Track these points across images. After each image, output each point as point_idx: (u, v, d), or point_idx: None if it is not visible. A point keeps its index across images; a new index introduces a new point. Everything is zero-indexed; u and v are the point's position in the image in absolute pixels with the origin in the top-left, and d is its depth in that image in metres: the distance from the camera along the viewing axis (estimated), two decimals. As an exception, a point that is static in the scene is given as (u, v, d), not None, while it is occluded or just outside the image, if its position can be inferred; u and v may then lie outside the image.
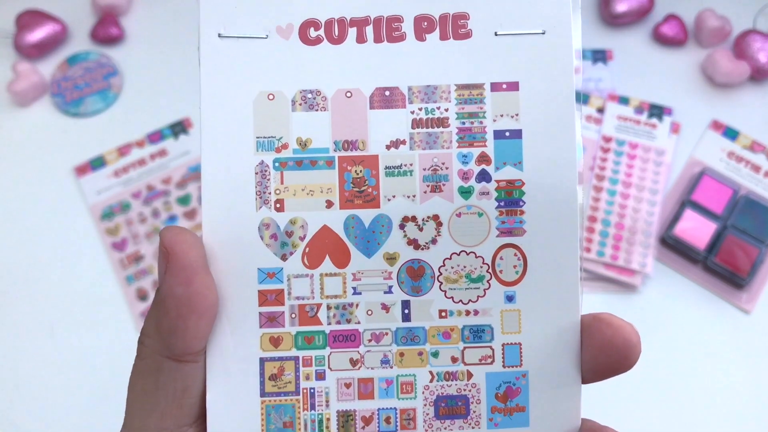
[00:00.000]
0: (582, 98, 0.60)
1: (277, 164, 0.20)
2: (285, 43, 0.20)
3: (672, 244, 0.55)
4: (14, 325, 0.54)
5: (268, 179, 0.20)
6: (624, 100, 0.59)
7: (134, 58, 0.64)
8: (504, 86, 0.20)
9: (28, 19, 0.63)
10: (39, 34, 0.63)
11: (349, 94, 0.20)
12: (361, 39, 0.20)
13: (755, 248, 0.54)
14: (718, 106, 0.61)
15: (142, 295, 0.55)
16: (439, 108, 0.20)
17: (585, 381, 0.20)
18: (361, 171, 0.20)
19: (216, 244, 0.20)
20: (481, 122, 0.20)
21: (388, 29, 0.20)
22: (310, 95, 0.20)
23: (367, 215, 0.20)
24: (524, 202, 0.20)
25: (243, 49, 0.19)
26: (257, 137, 0.20)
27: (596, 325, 0.20)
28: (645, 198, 0.56)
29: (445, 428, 0.20)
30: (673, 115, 0.59)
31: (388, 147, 0.20)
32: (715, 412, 0.50)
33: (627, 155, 0.57)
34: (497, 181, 0.20)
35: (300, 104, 0.20)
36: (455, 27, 0.20)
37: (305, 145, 0.20)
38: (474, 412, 0.20)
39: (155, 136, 0.61)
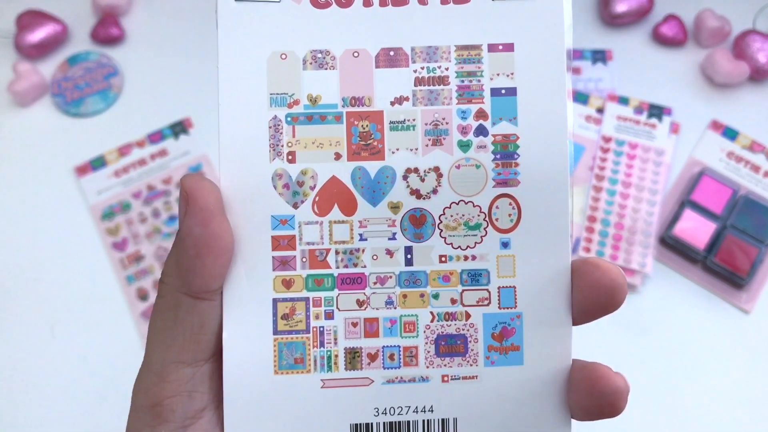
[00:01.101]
0: (581, 97, 0.60)
1: (289, 119, 0.21)
2: (297, 6, 0.21)
3: (671, 244, 0.55)
4: (15, 324, 0.54)
5: (281, 133, 0.21)
6: (623, 100, 0.59)
7: (135, 58, 0.64)
8: (500, 47, 0.21)
9: (29, 19, 0.63)
10: (39, 34, 0.63)
11: (356, 54, 0.21)
12: (367, 3, 0.21)
13: (755, 248, 0.54)
14: (717, 106, 0.61)
15: (142, 295, 0.55)
16: (440, 67, 0.21)
17: (576, 322, 0.21)
18: (367, 125, 0.21)
19: (232, 191, 0.21)
20: (479, 81, 0.21)
21: None
22: (320, 55, 0.21)
23: (372, 167, 0.21)
24: (518, 155, 0.21)
25: (257, 12, 0.21)
26: (270, 94, 0.21)
27: (585, 268, 0.21)
28: (644, 198, 0.56)
29: (445, 365, 0.21)
30: (673, 115, 0.59)
31: (392, 103, 0.21)
32: (715, 411, 0.50)
33: (626, 155, 0.57)
34: (494, 136, 0.21)
35: (311, 63, 0.21)
36: None
37: (315, 101, 0.21)
38: (472, 350, 0.21)
39: (156, 136, 0.61)
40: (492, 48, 0.21)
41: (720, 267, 0.53)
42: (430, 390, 0.21)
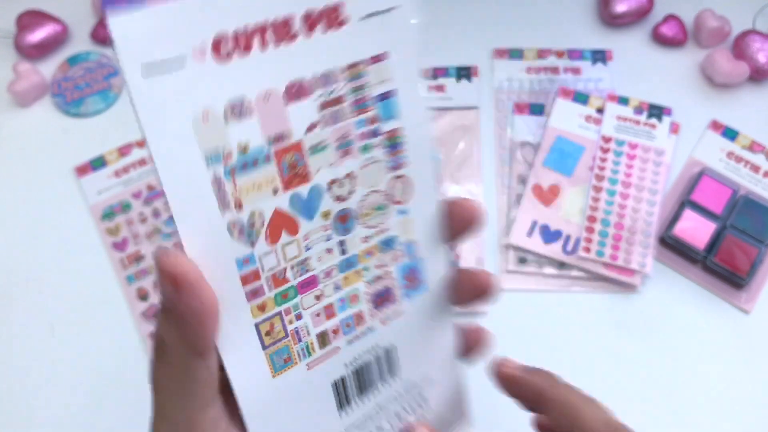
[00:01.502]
0: (581, 98, 0.60)
1: (227, 173, 0.23)
2: (201, 66, 0.22)
3: (671, 244, 0.55)
4: (14, 324, 0.54)
5: (224, 187, 0.23)
6: (623, 101, 0.59)
7: (135, 58, 0.64)
8: (379, 58, 0.25)
9: (29, 19, 0.64)
10: (40, 34, 0.63)
11: (267, 95, 0.23)
12: (263, 46, 0.23)
13: (754, 248, 0.54)
14: (717, 106, 0.61)
15: (142, 295, 0.55)
16: (335, 89, 0.25)
17: (450, 244, 0.29)
18: (292, 157, 0.24)
19: (198, 253, 0.23)
20: (368, 92, 0.25)
21: (282, 31, 0.23)
22: (237, 105, 0.23)
23: (304, 190, 0.25)
24: (404, 142, 0.27)
25: (167, 81, 0.22)
26: (205, 155, 0.23)
27: (449, 204, 0.28)
28: (644, 198, 0.56)
29: (382, 313, 0.28)
30: (673, 116, 0.59)
31: (307, 131, 0.25)
32: (714, 411, 0.50)
33: (626, 155, 0.57)
34: (385, 133, 0.26)
35: (231, 115, 0.23)
36: (333, 18, 0.24)
37: (245, 149, 0.23)
38: (395, 294, 0.28)
39: (156, 136, 0.61)
40: (373, 60, 0.25)
41: (720, 267, 0.53)
42: (375, 335, 0.28)
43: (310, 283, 0.26)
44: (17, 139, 0.61)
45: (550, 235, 0.55)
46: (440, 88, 0.61)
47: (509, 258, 0.55)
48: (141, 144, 0.60)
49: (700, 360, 0.52)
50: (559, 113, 0.59)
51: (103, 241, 0.57)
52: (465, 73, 0.62)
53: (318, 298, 0.27)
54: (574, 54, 0.63)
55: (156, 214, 0.57)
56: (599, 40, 0.64)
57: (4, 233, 0.58)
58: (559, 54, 0.63)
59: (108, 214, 0.57)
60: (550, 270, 0.55)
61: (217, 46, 0.22)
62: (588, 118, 0.59)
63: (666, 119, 0.58)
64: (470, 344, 0.32)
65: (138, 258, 0.56)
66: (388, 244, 0.28)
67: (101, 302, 0.55)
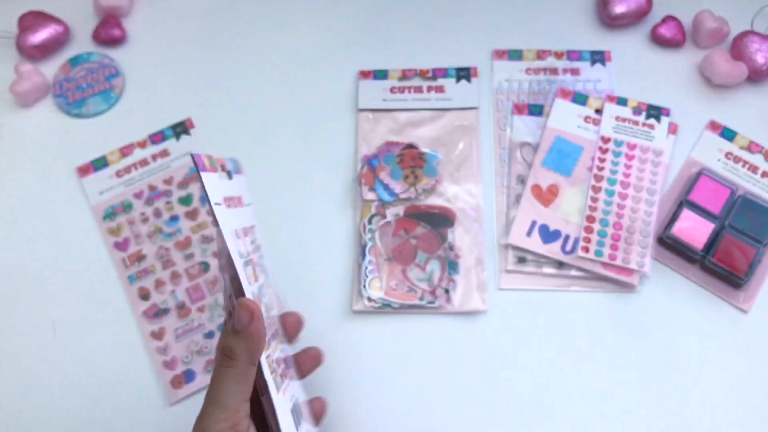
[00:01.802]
0: (579, 98, 0.60)
1: (247, 263, 0.38)
2: (226, 210, 0.38)
3: (670, 244, 0.55)
4: (16, 324, 0.55)
5: (247, 271, 0.38)
6: (622, 101, 0.59)
7: (136, 59, 0.65)
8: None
9: (31, 20, 0.64)
10: (41, 35, 0.63)
11: (245, 230, 0.40)
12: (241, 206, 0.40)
13: (753, 248, 0.54)
14: (715, 107, 0.61)
15: (143, 295, 0.55)
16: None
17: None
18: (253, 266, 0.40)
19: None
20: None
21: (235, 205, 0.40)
22: (239, 230, 0.39)
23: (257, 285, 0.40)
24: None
25: (222, 211, 0.37)
26: (238, 251, 0.37)
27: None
28: (643, 198, 0.56)
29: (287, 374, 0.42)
30: (671, 116, 0.59)
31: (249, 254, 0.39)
32: (713, 410, 0.51)
33: (625, 155, 0.58)
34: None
35: (241, 234, 0.39)
36: None
37: (245, 255, 0.39)
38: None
39: (157, 137, 0.61)
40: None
41: (718, 266, 0.54)
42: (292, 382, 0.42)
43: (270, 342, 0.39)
44: (19, 139, 0.62)
45: (549, 234, 0.56)
46: (440, 89, 0.62)
47: (508, 258, 0.56)
48: (142, 144, 0.61)
49: (699, 359, 0.52)
50: (558, 114, 0.60)
51: (104, 241, 0.57)
52: (464, 73, 0.62)
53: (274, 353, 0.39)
54: (573, 55, 0.63)
55: (157, 214, 0.58)
56: (598, 41, 0.64)
57: (5, 233, 0.58)
58: (558, 55, 0.63)
59: (109, 214, 0.58)
60: (549, 270, 0.55)
61: (228, 203, 0.37)
62: (587, 118, 0.59)
63: (664, 120, 0.59)
64: (304, 367, 0.44)
65: (140, 258, 0.56)
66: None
67: (102, 302, 0.55)
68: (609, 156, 0.58)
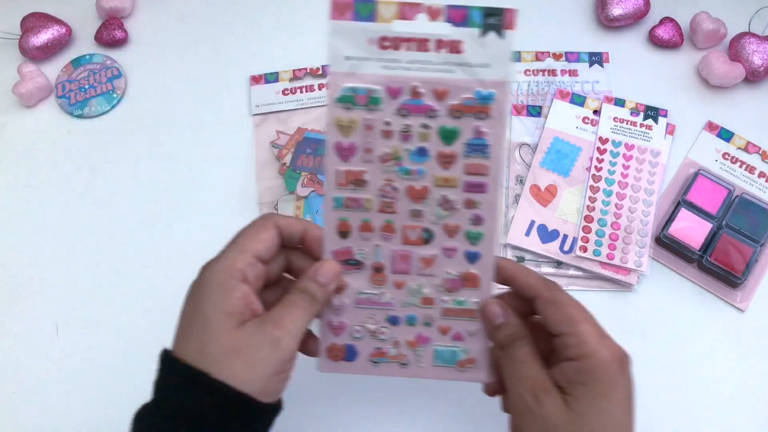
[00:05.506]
0: (577, 99, 0.60)
1: None
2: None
3: (667, 244, 0.55)
4: (18, 323, 0.55)
5: None
6: (620, 102, 0.60)
7: (138, 60, 0.65)
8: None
9: (34, 21, 0.64)
10: (44, 36, 0.64)
11: None
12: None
13: (750, 248, 0.54)
14: (713, 108, 0.61)
15: (343, 230, 0.45)
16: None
17: None
18: None
19: None
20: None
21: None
22: None
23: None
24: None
25: None
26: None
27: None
28: (640, 198, 0.57)
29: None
30: (669, 117, 0.60)
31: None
32: (710, 409, 0.51)
33: (623, 156, 0.58)
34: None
35: None
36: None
37: None
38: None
39: (158, 137, 0.61)
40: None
41: (715, 266, 0.54)
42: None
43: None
44: (22, 140, 0.62)
45: (547, 234, 0.56)
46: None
47: (507, 257, 0.56)
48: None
49: (696, 358, 0.53)
50: (557, 114, 0.60)
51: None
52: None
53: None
54: (571, 56, 0.63)
55: (405, 134, 0.38)
56: (596, 43, 0.64)
57: (7, 233, 0.58)
58: (557, 56, 0.63)
59: (347, 98, 0.38)
60: (547, 269, 0.56)
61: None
62: (585, 119, 0.60)
63: (662, 120, 0.59)
64: None
65: (358, 181, 0.39)
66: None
67: (104, 301, 0.55)
68: (607, 156, 0.58)
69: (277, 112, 0.61)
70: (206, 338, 0.33)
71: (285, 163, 0.58)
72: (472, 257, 0.38)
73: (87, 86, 0.63)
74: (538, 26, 0.65)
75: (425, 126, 0.37)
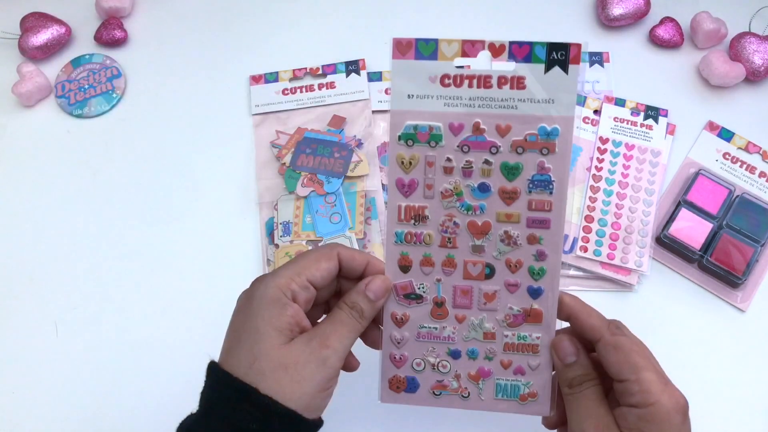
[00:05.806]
0: (578, 99, 0.60)
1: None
2: None
3: (668, 244, 0.55)
4: (18, 323, 0.55)
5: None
6: (620, 102, 0.60)
7: (138, 60, 0.65)
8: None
9: (33, 21, 0.64)
10: (44, 36, 0.64)
11: None
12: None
13: (750, 248, 0.54)
14: (713, 108, 0.61)
15: (404, 264, 0.45)
16: None
17: None
18: None
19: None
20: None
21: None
22: None
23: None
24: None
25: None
26: None
27: None
28: (641, 198, 0.57)
29: None
30: (669, 117, 0.60)
31: None
32: (710, 409, 0.51)
33: (623, 156, 0.58)
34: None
35: None
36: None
37: None
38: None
39: (158, 137, 0.61)
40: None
41: (716, 266, 0.54)
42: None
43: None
44: (21, 139, 0.62)
45: (547, 234, 0.56)
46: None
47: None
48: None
49: (696, 358, 0.53)
50: (557, 114, 0.60)
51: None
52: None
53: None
54: (572, 56, 0.63)
55: (467, 169, 0.38)
56: (596, 42, 0.64)
57: (7, 233, 0.58)
58: (557, 56, 0.63)
59: (408, 136, 0.38)
60: (547, 269, 0.56)
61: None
62: (585, 119, 0.60)
63: (662, 120, 0.59)
64: None
65: (419, 217, 0.39)
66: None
67: (104, 301, 0.55)
68: (607, 156, 0.58)
69: (276, 111, 0.61)
70: (257, 352, 0.33)
71: (285, 163, 0.58)
72: (534, 293, 0.38)
73: (86, 86, 0.63)
74: (539, 26, 0.65)
75: (487, 162, 0.37)
